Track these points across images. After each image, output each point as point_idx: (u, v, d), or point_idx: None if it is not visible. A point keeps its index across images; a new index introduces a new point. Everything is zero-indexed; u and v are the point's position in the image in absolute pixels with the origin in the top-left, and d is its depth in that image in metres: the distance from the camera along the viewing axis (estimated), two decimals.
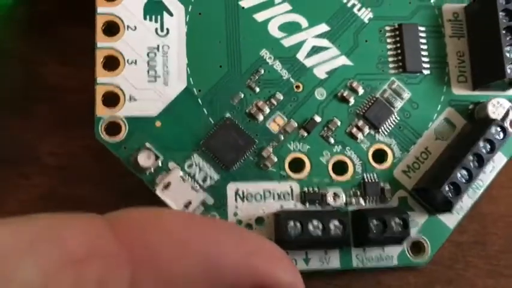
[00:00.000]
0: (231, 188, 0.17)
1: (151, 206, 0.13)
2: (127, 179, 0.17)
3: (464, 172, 0.16)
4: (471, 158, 0.16)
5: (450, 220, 0.17)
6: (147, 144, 0.16)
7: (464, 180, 0.16)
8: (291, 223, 0.15)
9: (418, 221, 0.17)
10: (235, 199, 0.16)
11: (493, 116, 0.17)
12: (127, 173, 0.17)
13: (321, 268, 0.16)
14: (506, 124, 0.17)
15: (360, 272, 0.17)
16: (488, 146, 0.17)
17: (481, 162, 0.16)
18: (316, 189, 0.17)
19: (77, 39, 0.18)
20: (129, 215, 0.13)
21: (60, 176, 0.18)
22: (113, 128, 0.16)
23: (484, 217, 0.19)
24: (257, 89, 0.17)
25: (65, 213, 0.12)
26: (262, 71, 0.17)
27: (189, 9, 0.17)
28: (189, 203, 0.16)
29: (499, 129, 0.17)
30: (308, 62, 0.18)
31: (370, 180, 0.17)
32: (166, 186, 0.16)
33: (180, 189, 0.16)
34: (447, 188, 0.16)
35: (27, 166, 0.17)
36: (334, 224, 0.15)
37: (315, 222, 0.15)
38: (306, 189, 0.17)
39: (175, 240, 0.12)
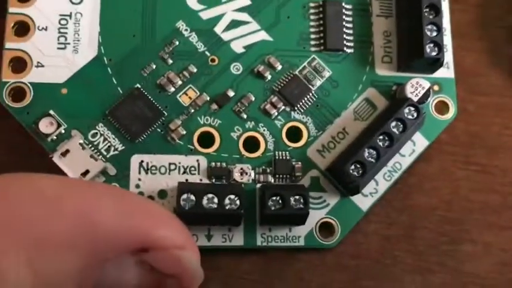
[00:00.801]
0: (135, 159, 0.16)
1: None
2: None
3: (372, 151, 0.16)
4: (380, 137, 0.16)
5: (363, 203, 0.17)
6: (51, 111, 0.16)
7: (371, 160, 0.16)
8: (185, 195, 0.15)
9: (329, 202, 0.17)
10: (139, 171, 0.16)
11: (411, 96, 0.17)
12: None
13: (223, 245, 0.16)
14: (429, 104, 0.17)
15: (283, 267, 0.17)
16: (401, 126, 0.16)
17: (391, 142, 0.16)
18: (223, 164, 0.16)
19: None
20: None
21: None
22: (18, 93, 0.16)
23: (414, 210, 0.18)
24: (170, 61, 0.17)
25: None
26: (177, 43, 0.17)
27: None
28: (87, 171, 0.16)
29: (412, 109, 0.16)
30: (226, 36, 0.17)
31: (281, 158, 0.17)
32: (64, 153, 0.16)
33: (79, 157, 0.16)
34: (353, 167, 0.16)
35: None
36: (229, 199, 0.15)
37: (210, 195, 0.15)
38: (213, 164, 0.16)
39: (47, 198, 0.12)
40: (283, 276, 0.17)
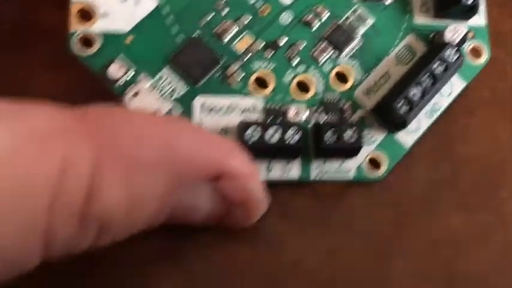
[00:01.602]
0: (197, 101, 0.17)
1: None
2: None
3: (417, 90, 0.17)
4: (425, 76, 0.17)
5: (407, 139, 0.18)
6: (119, 57, 0.17)
7: (417, 97, 0.17)
8: (249, 130, 0.16)
9: (376, 138, 0.18)
10: (201, 111, 0.17)
11: (450, 40, 0.18)
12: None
13: (281, 178, 0.17)
14: (464, 49, 0.18)
15: (336, 202, 0.18)
16: (442, 67, 0.17)
17: (435, 80, 0.17)
18: (278, 105, 0.18)
19: None
20: (92, 107, 0.14)
21: None
22: (86, 42, 0.17)
23: (457, 157, 0.19)
24: (226, 10, 0.18)
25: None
26: None
27: None
28: (157, 111, 0.17)
29: (453, 51, 0.18)
30: None
31: (330, 100, 0.18)
32: (135, 95, 0.17)
33: (148, 98, 0.17)
34: (400, 104, 0.17)
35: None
36: (291, 133, 0.16)
37: (272, 130, 0.16)
38: (269, 105, 0.18)
39: (135, 127, 0.13)
40: (336, 210, 0.18)
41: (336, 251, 0.17)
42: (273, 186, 0.17)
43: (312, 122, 0.18)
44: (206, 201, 0.15)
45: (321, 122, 0.17)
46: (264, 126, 0.16)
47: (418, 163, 0.19)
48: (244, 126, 0.16)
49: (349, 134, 0.16)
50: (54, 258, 0.13)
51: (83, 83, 0.18)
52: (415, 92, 0.17)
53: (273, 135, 0.16)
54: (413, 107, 0.17)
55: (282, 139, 0.16)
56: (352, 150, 0.17)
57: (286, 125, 0.16)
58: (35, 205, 0.12)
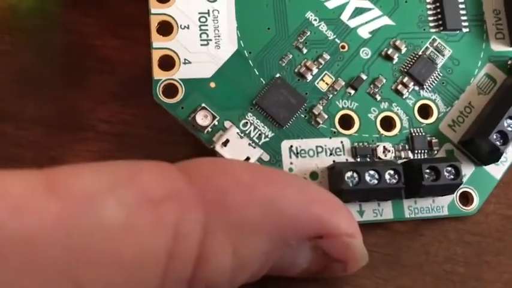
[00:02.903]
0: (285, 144, 0.17)
1: None
2: (179, 147, 0.18)
3: (510, 121, 0.17)
4: None
5: (496, 171, 0.18)
6: (203, 104, 0.17)
7: (510, 129, 0.17)
8: (349, 173, 0.16)
9: (465, 172, 0.18)
10: (290, 155, 0.17)
11: None
12: (178, 140, 0.18)
13: (374, 220, 0.17)
14: None
15: (408, 242, 0.18)
16: None
17: None
18: (366, 144, 0.17)
19: (128, 14, 0.19)
20: (198, 162, 0.13)
21: (116, 143, 0.18)
22: (170, 90, 0.17)
23: None
24: (304, 50, 0.18)
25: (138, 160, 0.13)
26: (309, 33, 0.18)
27: None
28: (248, 158, 0.16)
29: None
30: (352, 23, 0.18)
31: (417, 134, 0.18)
32: (225, 143, 0.16)
33: (238, 145, 0.16)
34: (495, 137, 0.17)
35: (83, 133, 0.18)
36: (389, 174, 0.16)
37: (371, 172, 0.16)
38: (356, 144, 0.17)
39: (242, 185, 0.13)
40: (409, 250, 0.18)
41: None
42: None
43: (400, 159, 0.17)
44: (306, 258, 0.15)
45: (413, 159, 0.17)
46: (362, 168, 0.16)
47: (490, 200, 0.18)
48: (341, 168, 0.16)
49: (448, 171, 0.16)
50: None
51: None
52: (507, 124, 0.17)
53: (372, 177, 0.16)
54: (509, 139, 0.17)
55: (381, 180, 0.16)
56: (451, 187, 0.16)
57: (381, 165, 0.16)
58: (149, 275, 0.11)
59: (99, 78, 0.19)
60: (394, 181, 0.16)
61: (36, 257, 0.10)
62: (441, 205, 0.17)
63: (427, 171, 0.16)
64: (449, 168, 0.16)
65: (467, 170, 0.18)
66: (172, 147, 0.18)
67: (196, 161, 0.13)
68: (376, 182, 0.16)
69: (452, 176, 0.16)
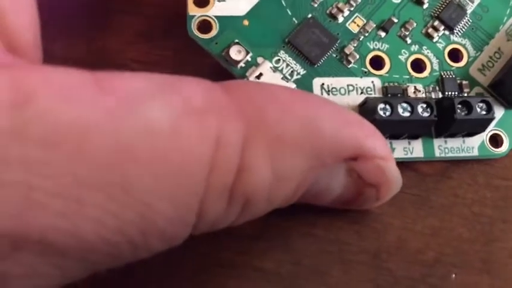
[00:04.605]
0: (316, 82, 0.17)
1: None
2: None
3: None
4: None
5: None
6: (237, 40, 0.17)
7: None
8: (381, 105, 0.16)
9: (495, 115, 0.18)
10: (321, 92, 0.17)
11: None
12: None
13: (405, 157, 0.17)
14: None
15: (437, 184, 0.18)
16: None
17: None
18: (396, 84, 0.18)
19: None
20: (238, 82, 0.14)
21: None
22: (204, 26, 0.17)
23: None
24: None
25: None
26: None
27: None
28: None
29: None
30: None
31: (448, 76, 0.18)
32: (258, 76, 0.17)
33: (272, 79, 0.17)
34: None
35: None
36: (421, 107, 0.16)
37: (404, 104, 0.16)
38: (387, 84, 0.18)
39: (280, 102, 0.13)
40: (437, 192, 0.18)
41: (439, 232, 0.17)
42: None
43: (432, 99, 0.17)
44: (340, 183, 0.15)
45: (444, 97, 0.17)
46: (395, 101, 0.16)
47: None
48: (374, 101, 0.16)
49: (480, 106, 0.16)
50: (199, 233, 0.12)
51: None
52: None
53: (404, 110, 0.16)
54: None
55: (414, 112, 0.16)
56: (483, 123, 0.17)
57: (414, 99, 0.16)
58: (193, 181, 0.11)
59: (127, 19, 0.19)
60: (427, 114, 0.16)
61: (87, 148, 0.10)
62: (471, 146, 0.17)
63: (459, 106, 0.16)
64: (481, 104, 0.16)
65: (497, 113, 0.18)
66: None
67: (236, 81, 0.14)
68: (408, 114, 0.16)
69: (484, 112, 0.16)
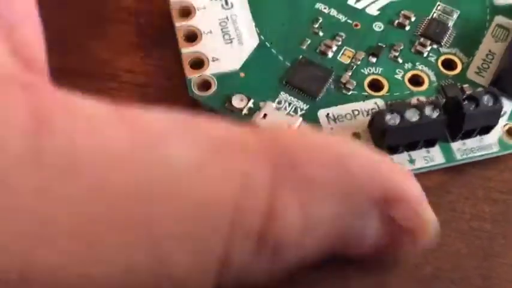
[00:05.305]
0: (321, 113, 0.18)
1: None
2: None
3: None
4: None
5: None
6: (237, 91, 0.18)
7: None
8: (388, 115, 0.16)
9: (505, 110, 0.18)
10: (328, 121, 0.17)
11: None
12: None
13: (427, 166, 0.17)
14: None
15: (435, 198, 0.16)
16: None
17: None
18: (399, 100, 0.18)
19: None
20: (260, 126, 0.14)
21: (139, 93, 0.19)
22: (203, 85, 0.18)
23: None
24: (321, 33, 0.19)
25: None
26: (321, 19, 0.19)
27: None
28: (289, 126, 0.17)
29: None
30: (359, 5, 0.20)
31: (447, 84, 0.18)
32: (264, 117, 0.17)
33: (277, 116, 0.17)
34: None
35: (106, 82, 0.19)
36: (428, 108, 0.16)
37: (412, 109, 0.16)
38: (390, 102, 0.18)
39: (309, 144, 0.13)
40: (435, 206, 0.16)
41: (438, 247, 0.16)
42: None
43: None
44: (374, 230, 0.14)
45: (449, 97, 0.17)
46: (402, 108, 0.16)
47: None
48: (381, 113, 0.16)
49: (487, 98, 0.16)
50: (225, 286, 0.12)
51: None
52: None
53: (413, 114, 0.16)
54: None
55: (423, 115, 0.16)
56: (493, 114, 0.16)
57: (420, 103, 0.16)
58: (216, 226, 0.11)
59: (120, 28, 0.20)
60: (436, 114, 0.16)
61: (108, 181, 0.10)
62: (490, 143, 0.17)
63: (466, 102, 0.16)
64: (487, 96, 0.16)
65: (507, 107, 0.18)
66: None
67: (263, 128, 0.14)
68: (417, 118, 0.16)
69: (491, 103, 0.16)
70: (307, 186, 0.12)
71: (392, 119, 0.16)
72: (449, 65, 0.19)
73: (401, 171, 0.14)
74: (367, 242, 0.14)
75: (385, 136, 0.16)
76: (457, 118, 0.16)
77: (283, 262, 0.12)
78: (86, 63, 0.19)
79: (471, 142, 0.17)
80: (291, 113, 0.17)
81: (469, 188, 0.17)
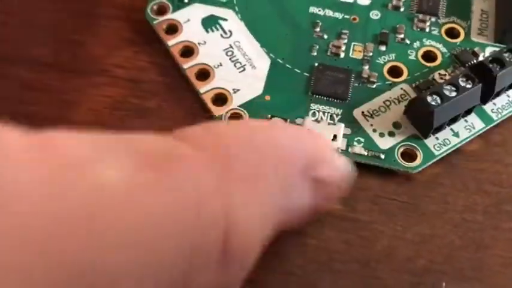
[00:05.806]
0: (356, 113, 0.18)
1: None
2: (194, 94, 0.18)
3: None
4: None
5: None
6: (269, 116, 0.17)
7: None
8: (429, 97, 0.16)
9: None
10: (366, 119, 0.18)
11: None
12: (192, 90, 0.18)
13: (472, 134, 0.17)
14: None
15: (428, 191, 0.17)
16: None
17: None
18: (423, 80, 0.18)
19: None
20: (192, 128, 0.13)
21: (131, 88, 0.18)
22: (236, 118, 0.18)
23: None
24: (325, 36, 0.19)
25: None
26: (320, 22, 0.19)
27: (236, 9, 0.20)
28: (335, 136, 0.17)
29: None
30: None
31: (458, 51, 0.19)
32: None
33: (320, 129, 0.17)
34: None
35: (98, 78, 0.18)
36: (462, 80, 0.17)
37: (447, 86, 0.16)
38: (414, 84, 0.18)
39: (237, 135, 0.13)
40: (428, 199, 0.17)
41: (430, 240, 0.16)
42: (364, 174, 0.17)
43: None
44: (309, 191, 0.14)
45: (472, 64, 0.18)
46: (438, 88, 0.16)
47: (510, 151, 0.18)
48: (420, 100, 0.16)
49: (509, 56, 0.17)
50: None
51: None
52: None
53: (450, 89, 0.16)
54: None
55: (459, 89, 0.16)
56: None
57: (451, 79, 0.17)
58: (173, 252, 0.10)
59: (113, 24, 0.19)
60: (470, 84, 0.17)
61: (14, 218, 0.09)
62: None
63: (491, 65, 0.17)
64: (508, 54, 0.17)
65: None
66: (187, 94, 0.18)
67: (190, 128, 0.13)
68: (455, 93, 0.16)
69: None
70: (248, 178, 0.12)
71: (434, 101, 0.16)
72: (452, 33, 0.19)
73: (321, 139, 0.15)
74: (308, 205, 0.14)
75: (433, 118, 0.16)
76: (487, 82, 0.17)
77: (250, 263, 0.12)
78: (78, 58, 0.19)
79: (500, 100, 0.18)
80: (329, 120, 0.17)
81: (461, 180, 0.17)
